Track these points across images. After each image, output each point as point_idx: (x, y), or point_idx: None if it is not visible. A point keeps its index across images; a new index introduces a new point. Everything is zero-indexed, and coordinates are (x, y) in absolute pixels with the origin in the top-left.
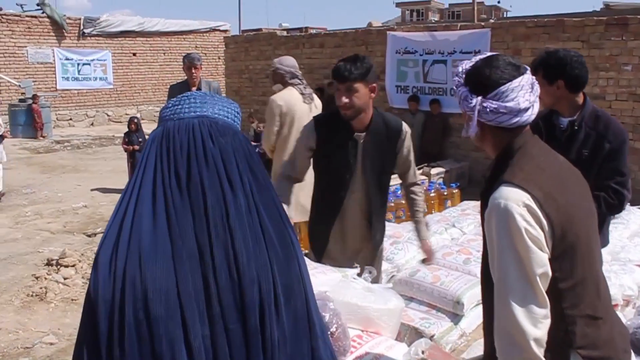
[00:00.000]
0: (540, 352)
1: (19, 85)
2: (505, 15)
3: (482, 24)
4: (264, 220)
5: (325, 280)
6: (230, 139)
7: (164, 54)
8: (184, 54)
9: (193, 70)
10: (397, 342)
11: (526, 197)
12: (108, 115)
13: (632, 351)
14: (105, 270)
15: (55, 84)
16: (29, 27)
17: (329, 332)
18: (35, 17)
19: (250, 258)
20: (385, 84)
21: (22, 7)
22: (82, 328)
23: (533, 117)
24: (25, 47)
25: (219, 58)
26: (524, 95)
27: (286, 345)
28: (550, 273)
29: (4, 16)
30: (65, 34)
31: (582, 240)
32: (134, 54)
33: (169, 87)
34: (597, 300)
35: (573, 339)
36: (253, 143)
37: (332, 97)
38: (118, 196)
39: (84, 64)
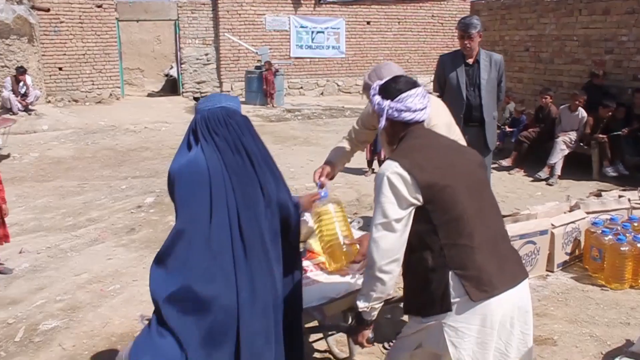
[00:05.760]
0: (382, 275)
1: (256, 53)
2: None
3: None
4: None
5: None
6: (238, 118)
7: (399, 23)
8: (419, 23)
9: (466, 41)
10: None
11: (395, 165)
12: (338, 85)
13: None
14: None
15: (289, 52)
16: None
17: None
18: None
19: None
20: None
21: None
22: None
23: (425, 116)
24: (264, 15)
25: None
26: (419, 100)
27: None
28: (409, 222)
29: None
30: (302, 2)
31: (454, 189)
32: (368, 22)
33: (439, 56)
34: (476, 232)
35: (449, 263)
36: (508, 129)
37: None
38: (353, 177)
39: (317, 32)
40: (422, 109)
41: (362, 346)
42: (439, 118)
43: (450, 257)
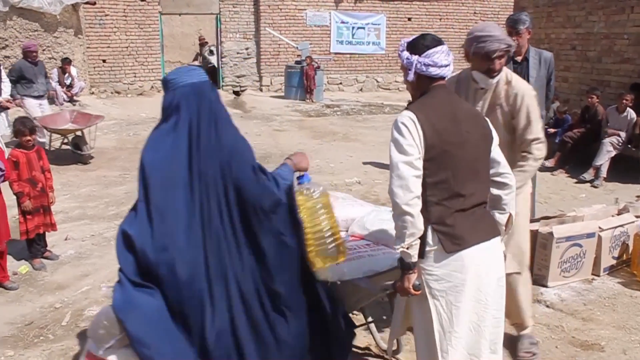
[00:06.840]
0: (409, 208)
1: (297, 48)
2: None
3: None
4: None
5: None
6: (215, 94)
7: (440, 19)
8: (461, 20)
9: (514, 38)
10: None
11: (412, 115)
12: (377, 82)
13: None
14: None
15: (329, 47)
16: None
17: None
18: None
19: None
20: None
21: None
22: None
23: (449, 73)
24: (305, 10)
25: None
26: (444, 57)
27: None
28: (421, 163)
29: None
30: None
31: (451, 155)
32: (409, 19)
33: None
34: (457, 197)
35: (429, 217)
36: (552, 130)
37: None
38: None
39: (358, 28)
40: (447, 65)
41: (409, 293)
42: None
43: (432, 212)
